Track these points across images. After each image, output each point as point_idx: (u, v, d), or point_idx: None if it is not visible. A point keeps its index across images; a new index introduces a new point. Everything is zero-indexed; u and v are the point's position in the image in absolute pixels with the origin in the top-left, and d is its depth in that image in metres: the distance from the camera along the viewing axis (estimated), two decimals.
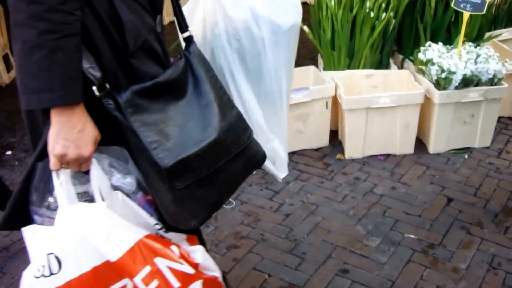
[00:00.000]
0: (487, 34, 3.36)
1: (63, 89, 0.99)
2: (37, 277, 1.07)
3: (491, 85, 2.82)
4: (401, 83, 2.98)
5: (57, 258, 1.07)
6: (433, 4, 2.93)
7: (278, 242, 2.34)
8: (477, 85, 2.80)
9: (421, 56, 2.84)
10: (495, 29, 3.46)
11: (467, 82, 2.74)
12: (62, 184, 1.08)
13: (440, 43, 2.89)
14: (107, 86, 1.08)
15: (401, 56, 3.24)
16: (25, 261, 2.40)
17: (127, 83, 1.12)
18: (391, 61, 3.20)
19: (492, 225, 2.43)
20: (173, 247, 1.16)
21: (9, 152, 3.43)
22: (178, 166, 1.11)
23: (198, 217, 1.23)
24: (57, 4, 0.96)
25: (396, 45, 3.31)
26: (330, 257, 2.24)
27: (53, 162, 1.05)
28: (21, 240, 2.51)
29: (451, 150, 3.02)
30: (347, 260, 2.22)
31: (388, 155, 3.00)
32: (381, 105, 2.76)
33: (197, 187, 1.17)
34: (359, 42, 2.94)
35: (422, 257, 2.24)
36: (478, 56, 2.78)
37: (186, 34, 1.27)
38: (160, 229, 1.20)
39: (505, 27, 3.41)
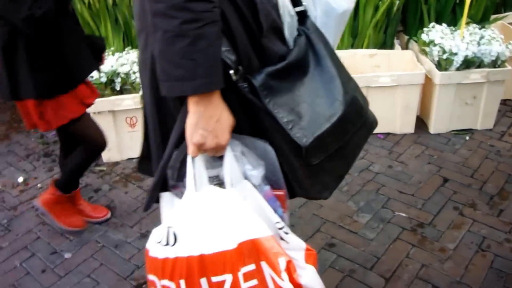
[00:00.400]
0: (495, 16, 3.33)
1: (206, 77, 0.99)
2: (157, 242, 1.12)
3: (494, 67, 2.80)
4: (404, 63, 2.98)
5: (174, 233, 1.10)
6: None
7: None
8: (479, 66, 2.79)
9: (424, 37, 2.84)
10: (505, 11, 3.40)
11: (469, 63, 2.74)
12: (196, 167, 1.10)
13: (444, 25, 2.88)
14: (240, 69, 1.08)
15: (406, 37, 3.23)
16: (29, 221, 2.54)
17: (259, 64, 1.11)
18: (396, 41, 3.19)
19: (486, 207, 2.44)
20: (281, 259, 1.09)
21: None
22: (314, 143, 1.13)
23: (329, 189, 1.27)
24: None
25: (402, 25, 3.30)
26: (319, 231, 2.31)
27: (191, 150, 1.07)
28: (28, 201, 2.66)
29: (453, 131, 3.02)
30: (335, 235, 2.28)
31: (388, 134, 3.02)
32: (381, 84, 2.78)
33: (328, 160, 1.19)
34: (362, 22, 2.95)
35: (410, 235, 2.28)
36: (482, 37, 2.76)
37: (300, 8, 1.23)
38: (281, 228, 1.15)
39: None
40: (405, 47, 3.22)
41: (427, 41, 2.82)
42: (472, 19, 2.93)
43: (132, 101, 2.74)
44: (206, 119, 1.03)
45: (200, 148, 1.07)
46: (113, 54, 2.77)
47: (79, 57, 2.08)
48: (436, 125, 2.99)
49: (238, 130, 1.12)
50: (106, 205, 2.61)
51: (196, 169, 1.10)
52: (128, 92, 2.74)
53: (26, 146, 3.22)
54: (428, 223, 2.35)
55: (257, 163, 1.15)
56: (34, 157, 3.12)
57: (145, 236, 2.38)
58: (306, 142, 1.11)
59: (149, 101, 1.20)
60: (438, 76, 2.77)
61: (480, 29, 2.86)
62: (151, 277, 1.13)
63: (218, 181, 1.14)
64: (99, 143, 2.27)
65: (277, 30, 1.15)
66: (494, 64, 2.79)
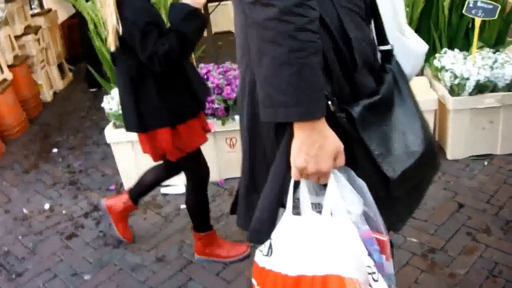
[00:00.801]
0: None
1: (310, 104, 1.01)
2: (260, 250, 1.16)
3: (509, 90, 2.78)
4: (419, 89, 2.99)
5: (270, 245, 1.15)
6: (446, 12, 2.93)
7: None
8: (493, 91, 2.77)
9: (436, 62, 2.85)
10: None
11: (482, 88, 2.73)
12: (300, 191, 1.13)
13: (457, 50, 2.89)
14: (335, 100, 1.09)
15: None
16: (54, 245, 2.66)
17: (351, 97, 1.14)
18: None
19: (500, 232, 2.39)
20: None
21: (55, 150, 3.77)
22: (400, 177, 1.16)
23: (403, 221, 1.32)
24: (305, 23, 0.98)
25: None
26: None
27: (293, 172, 1.09)
28: (53, 226, 2.80)
29: (471, 156, 2.99)
30: None
31: None
32: None
33: (406, 194, 1.24)
34: None
35: (420, 260, 2.26)
36: (495, 61, 2.75)
37: (387, 47, 1.27)
38: (371, 273, 1.10)
39: None
40: (420, 73, 3.24)
41: (439, 66, 2.83)
42: (486, 43, 2.92)
43: None
44: (308, 144, 1.05)
45: (302, 172, 1.08)
46: None
47: (198, 80, 2.15)
48: (453, 151, 2.97)
49: None
50: None
51: (300, 193, 1.12)
52: None
53: (53, 175, 3.39)
54: (439, 249, 2.32)
55: (356, 199, 1.13)
56: (60, 185, 3.28)
57: (160, 260, 2.46)
58: (393, 176, 1.15)
59: (245, 126, 1.24)
60: (451, 102, 2.77)
61: (494, 53, 2.85)
62: (253, 280, 1.18)
63: (320, 209, 1.14)
64: (205, 172, 2.30)
65: (370, 66, 1.19)
66: (510, 87, 2.77)
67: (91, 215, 2.92)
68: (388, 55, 1.27)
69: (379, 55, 1.27)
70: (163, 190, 3.01)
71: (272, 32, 0.98)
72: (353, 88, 1.14)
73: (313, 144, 1.05)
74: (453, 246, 2.34)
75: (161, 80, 1.96)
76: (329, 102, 1.07)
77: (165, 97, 1.98)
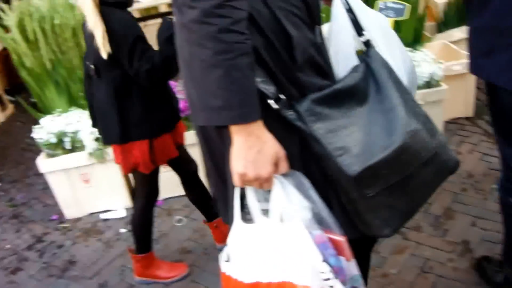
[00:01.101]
0: (439, 36, 3.43)
1: (242, 107, 0.99)
2: (222, 256, 1.17)
3: (428, 87, 2.88)
4: None
5: (228, 253, 1.15)
6: None
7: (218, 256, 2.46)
8: None
9: None
10: (447, 30, 3.50)
11: None
12: (248, 198, 1.10)
13: None
14: (282, 97, 1.07)
15: None
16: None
17: (299, 95, 1.10)
18: None
19: (430, 229, 2.46)
20: None
21: None
22: (366, 173, 1.08)
23: (391, 226, 1.19)
24: (229, 24, 0.96)
25: None
26: None
27: (234, 179, 1.07)
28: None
29: None
30: None
31: None
32: None
33: (388, 194, 1.15)
34: None
35: None
36: (413, 60, 2.85)
37: (363, 38, 1.23)
38: (326, 279, 1.06)
39: (458, 26, 3.44)
40: None
41: None
42: (403, 42, 3.01)
43: (83, 158, 2.85)
44: (246, 149, 1.03)
45: (243, 178, 1.06)
46: (59, 115, 2.91)
47: (173, 93, 2.16)
48: None
49: (288, 161, 1.11)
50: (68, 260, 2.71)
51: (248, 200, 1.10)
52: (79, 149, 2.87)
53: None
54: (372, 251, 2.37)
55: (305, 204, 1.10)
56: (3, 219, 3.24)
57: (103, 286, 2.46)
58: (354, 171, 1.08)
59: (197, 129, 1.23)
60: None
61: (412, 51, 2.95)
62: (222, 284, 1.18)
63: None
64: (194, 167, 2.35)
65: (315, 65, 1.15)
66: (429, 85, 2.88)
67: (34, 247, 2.90)
68: (366, 45, 1.22)
69: (360, 46, 1.23)
70: (102, 215, 3.03)
71: (196, 34, 0.97)
72: (298, 86, 1.11)
73: (251, 149, 1.03)
74: (385, 246, 2.39)
75: (145, 91, 1.97)
76: (271, 101, 1.06)
77: (149, 109, 1.99)
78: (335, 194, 1.16)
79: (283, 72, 1.09)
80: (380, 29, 1.28)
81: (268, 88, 1.06)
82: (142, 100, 1.97)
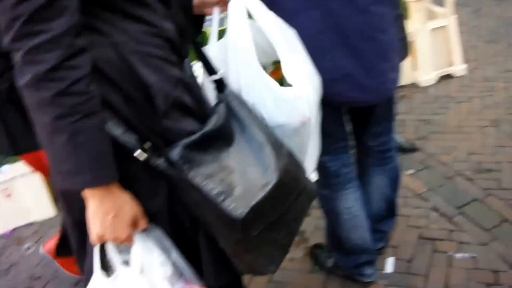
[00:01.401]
0: None
1: (94, 171, 0.94)
2: None
3: None
4: None
5: None
6: None
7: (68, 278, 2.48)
8: None
9: None
10: None
11: None
12: (108, 251, 1.08)
13: None
14: (149, 147, 1.03)
15: None
16: None
17: (164, 143, 1.06)
18: None
19: None
20: None
21: None
22: (251, 215, 1.06)
23: (275, 261, 1.20)
24: (66, 87, 0.90)
25: None
26: None
27: (93, 239, 1.04)
28: None
29: None
30: None
31: None
32: None
33: (269, 230, 1.14)
34: None
35: None
36: None
37: (216, 77, 1.22)
38: None
39: None
40: None
41: None
42: None
43: None
44: (101, 215, 0.99)
45: (101, 239, 1.04)
46: None
47: None
48: None
49: (160, 212, 1.10)
50: None
51: (108, 253, 1.09)
52: None
53: None
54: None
55: (163, 258, 1.09)
56: None
57: None
58: (241, 214, 1.05)
59: (57, 190, 1.17)
60: None
61: None
62: None
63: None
64: None
65: (183, 106, 1.10)
66: None
67: None
68: (220, 85, 1.22)
69: (211, 86, 1.23)
70: None
71: (33, 99, 0.91)
72: (166, 134, 1.07)
73: (107, 215, 1.00)
74: None
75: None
76: (137, 152, 1.02)
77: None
78: (207, 241, 1.15)
79: (146, 122, 1.05)
80: (284, 39, 1.29)
81: (130, 141, 1.02)
82: (23, 109, 1.93)
